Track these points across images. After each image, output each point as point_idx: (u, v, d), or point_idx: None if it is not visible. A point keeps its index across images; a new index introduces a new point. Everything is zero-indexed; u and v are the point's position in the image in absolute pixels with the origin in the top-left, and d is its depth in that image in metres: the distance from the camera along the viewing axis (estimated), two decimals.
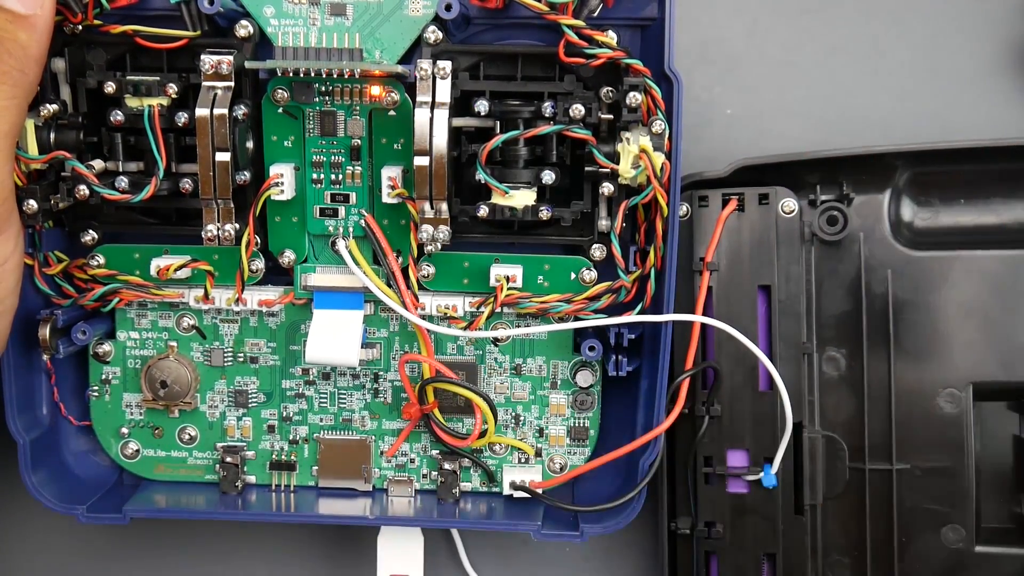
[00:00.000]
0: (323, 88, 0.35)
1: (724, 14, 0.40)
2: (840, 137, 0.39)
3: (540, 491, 0.37)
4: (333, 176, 0.36)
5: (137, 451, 0.38)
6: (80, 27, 0.34)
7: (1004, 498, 0.37)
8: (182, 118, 0.34)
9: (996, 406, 0.37)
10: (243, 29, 0.34)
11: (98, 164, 0.35)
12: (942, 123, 0.39)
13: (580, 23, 0.33)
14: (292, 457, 0.38)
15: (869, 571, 0.36)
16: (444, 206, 0.34)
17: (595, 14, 0.34)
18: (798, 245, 0.36)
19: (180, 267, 0.35)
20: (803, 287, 0.36)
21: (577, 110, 0.33)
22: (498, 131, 0.34)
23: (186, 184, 0.34)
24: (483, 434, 0.36)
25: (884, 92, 0.40)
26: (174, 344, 0.38)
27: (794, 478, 0.36)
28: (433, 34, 0.34)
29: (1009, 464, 0.37)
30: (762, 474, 0.35)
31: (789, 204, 0.36)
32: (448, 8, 0.34)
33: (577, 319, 0.36)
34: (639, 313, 0.35)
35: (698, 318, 0.35)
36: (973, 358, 0.36)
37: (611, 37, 0.33)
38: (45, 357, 0.36)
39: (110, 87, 0.34)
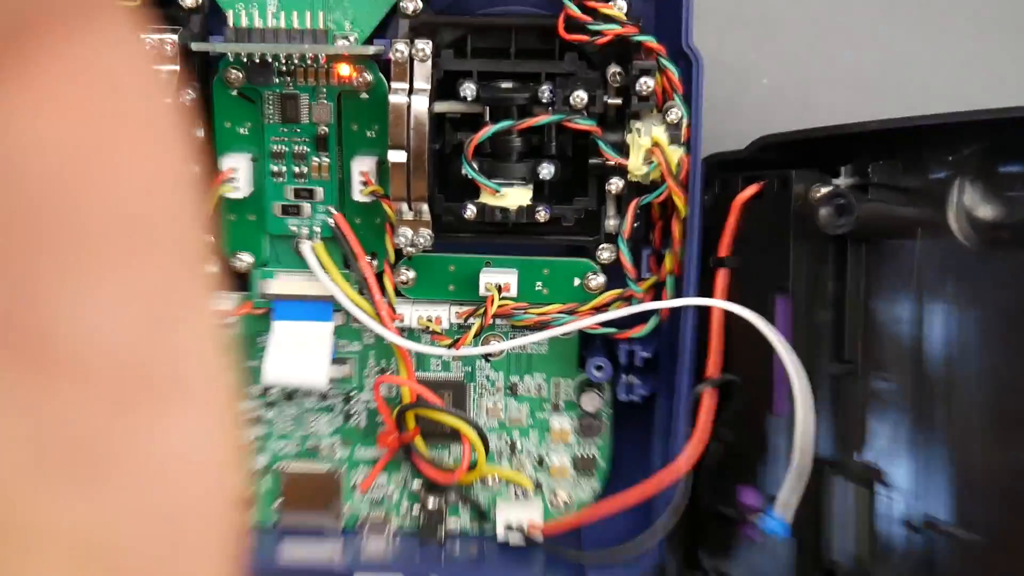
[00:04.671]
0: (283, 68, 0.37)
1: None
2: (897, 110, 0.38)
3: (540, 536, 0.39)
4: (296, 169, 0.38)
5: None
6: None
7: None
8: None
9: None
10: None
11: None
12: (1018, 95, 0.39)
13: None
14: (250, 490, 0.41)
15: None
16: (424, 207, 0.36)
17: None
18: (825, 241, 0.36)
19: None
20: (833, 293, 0.36)
21: (579, 98, 0.35)
22: (487, 119, 0.36)
23: None
24: (472, 467, 0.39)
25: (952, 57, 0.41)
26: None
27: (818, 528, 0.36)
28: (412, 3, 0.36)
29: None
30: (768, 518, 0.35)
31: (822, 190, 0.35)
32: None
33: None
34: (655, 327, 0.38)
35: (717, 302, 0.35)
36: None
37: (620, 8, 0.35)
38: None
39: None
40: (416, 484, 0.41)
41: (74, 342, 0.11)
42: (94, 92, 0.11)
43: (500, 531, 0.40)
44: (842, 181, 0.37)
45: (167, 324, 0.12)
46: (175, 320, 0.12)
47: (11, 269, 0.10)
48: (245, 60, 0.37)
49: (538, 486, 0.41)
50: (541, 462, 0.41)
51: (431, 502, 0.40)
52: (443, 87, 0.36)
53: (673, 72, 0.36)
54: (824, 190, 0.36)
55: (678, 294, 0.37)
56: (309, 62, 0.37)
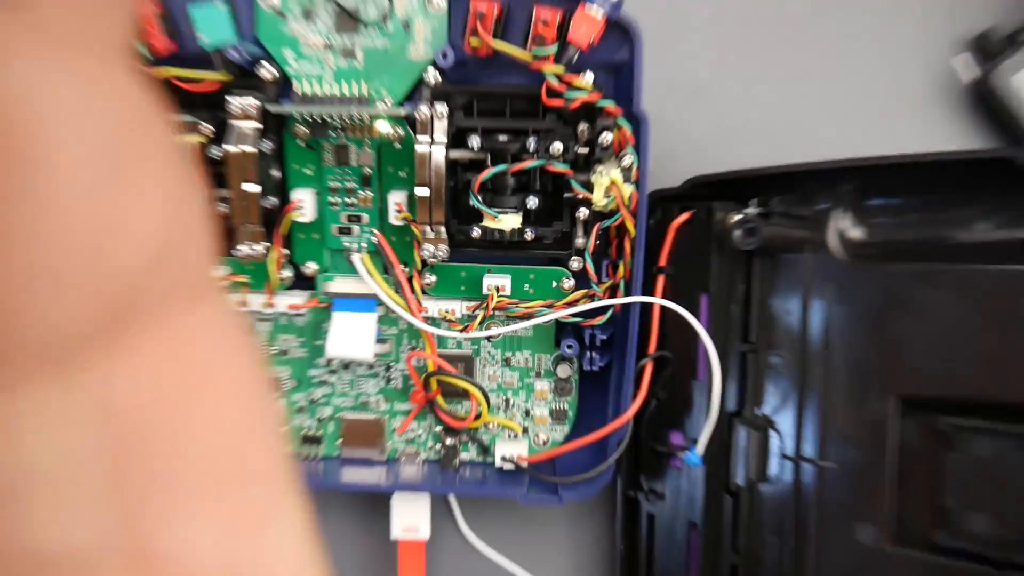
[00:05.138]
0: (337, 125, 0.35)
1: (692, 49, 0.40)
2: (795, 157, 0.37)
3: (526, 464, 0.38)
4: (348, 200, 0.36)
5: None
6: None
7: (923, 506, 0.34)
8: (217, 153, 0.34)
9: (939, 418, 0.32)
10: (267, 73, 0.34)
11: None
12: (884, 146, 0.38)
13: (560, 70, 0.33)
14: (319, 433, 0.39)
15: (793, 554, 0.35)
16: (443, 228, 0.34)
17: (574, 61, 0.33)
18: (736, 255, 0.35)
19: (219, 280, 0.36)
20: (742, 292, 0.35)
21: (556, 148, 0.33)
22: (489, 163, 0.34)
23: (222, 208, 0.34)
24: (478, 417, 0.37)
25: (833, 118, 0.39)
26: None
27: (726, 461, 0.35)
28: (432, 76, 0.34)
29: (934, 475, 0.33)
30: (689, 454, 0.35)
31: (735, 217, 0.34)
32: (445, 56, 0.33)
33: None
34: (610, 318, 0.36)
35: (656, 300, 0.34)
36: (902, 369, 0.33)
37: (587, 80, 0.33)
38: None
39: None
40: (438, 428, 0.39)
41: (180, 562, 0.10)
42: (197, 358, 0.10)
43: (498, 461, 0.38)
44: (751, 210, 0.35)
45: (260, 543, 0.11)
46: (267, 541, 0.11)
47: (125, 499, 0.09)
48: (309, 118, 0.35)
49: (525, 430, 0.39)
50: (527, 413, 0.39)
51: (449, 441, 0.39)
52: (456, 139, 0.34)
53: (627, 128, 0.33)
54: (737, 217, 0.34)
55: (628, 293, 0.35)
56: (356, 120, 0.35)
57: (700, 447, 0.34)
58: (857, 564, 0.34)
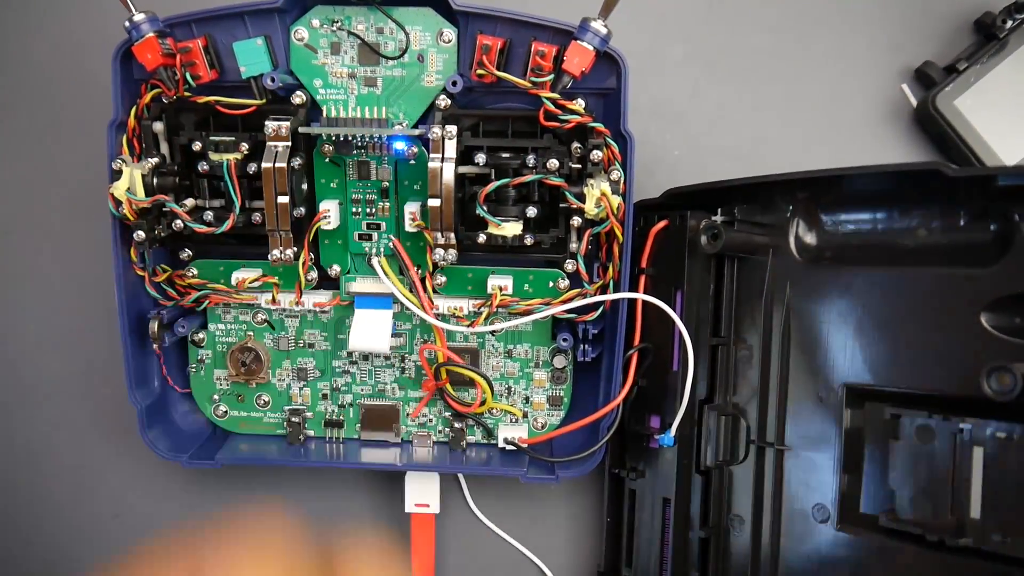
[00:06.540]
0: (359, 144, 0.38)
1: (673, 79, 0.42)
2: (759, 171, 0.38)
3: (526, 446, 0.40)
4: (368, 210, 0.38)
5: (226, 412, 0.42)
6: (175, 98, 0.37)
7: (868, 489, 0.34)
8: (252, 168, 0.37)
9: (883, 409, 0.33)
10: (298, 98, 0.37)
11: (190, 202, 0.38)
12: (842, 164, 0.39)
13: (556, 96, 0.35)
14: (341, 417, 0.41)
15: (756, 529, 0.36)
16: (452, 235, 0.36)
17: (567, 88, 0.36)
18: (707, 257, 0.36)
19: (253, 280, 0.39)
20: (712, 291, 0.36)
21: (553, 163, 0.36)
22: (493, 177, 0.36)
23: (257, 217, 0.37)
24: (483, 403, 0.39)
25: (793, 140, 0.42)
26: (251, 333, 0.41)
27: (697, 443, 0.37)
28: (443, 101, 0.37)
29: (878, 461, 0.33)
30: (663, 436, 0.36)
31: (703, 224, 0.35)
32: (454, 84, 0.36)
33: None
34: (600, 315, 0.38)
35: (639, 295, 0.36)
36: (848, 361, 0.34)
37: (580, 104, 0.35)
38: (155, 346, 0.39)
39: (197, 145, 0.37)
40: (447, 413, 0.41)
41: None
42: None
43: (501, 443, 0.40)
44: (717, 218, 0.37)
45: None
46: None
47: None
48: (334, 138, 0.37)
49: (525, 415, 0.41)
50: (527, 400, 0.41)
51: (457, 425, 0.41)
52: (464, 156, 0.37)
53: (615, 147, 0.36)
54: (704, 223, 0.36)
55: (616, 292, 0.37)
56: (376, 139, 0.37)
57: (673, 430, 0.36)
58: (811, 543, 0.35)
